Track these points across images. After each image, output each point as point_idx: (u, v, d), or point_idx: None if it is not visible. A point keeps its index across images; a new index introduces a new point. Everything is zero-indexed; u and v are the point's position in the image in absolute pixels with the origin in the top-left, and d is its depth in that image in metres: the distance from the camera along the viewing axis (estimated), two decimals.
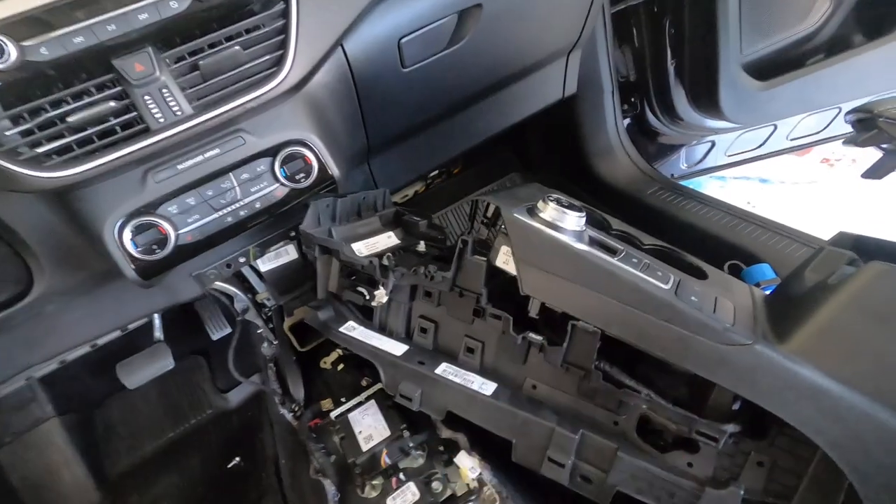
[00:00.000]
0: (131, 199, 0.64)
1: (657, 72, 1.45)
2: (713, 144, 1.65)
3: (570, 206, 0.70)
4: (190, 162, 0.66)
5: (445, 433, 0.88)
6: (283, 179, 0.71)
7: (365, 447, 0.86)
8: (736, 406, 0.63)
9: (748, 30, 1.27)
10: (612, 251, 0.68)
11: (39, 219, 0.69)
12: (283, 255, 1.10)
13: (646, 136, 1.62)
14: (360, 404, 0.95)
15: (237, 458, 1.20)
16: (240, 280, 1.12)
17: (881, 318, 0.51)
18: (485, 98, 1.13)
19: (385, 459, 0.84)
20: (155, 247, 0.65)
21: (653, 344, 0.61)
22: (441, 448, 0.86)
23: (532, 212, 0.70)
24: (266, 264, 1.09)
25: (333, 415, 0.95)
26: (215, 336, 1.35)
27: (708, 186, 2.25)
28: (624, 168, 1.42)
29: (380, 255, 0.83)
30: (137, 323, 1.04)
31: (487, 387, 0.76)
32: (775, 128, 1.61)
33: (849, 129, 1.69)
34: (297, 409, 1.00)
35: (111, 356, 1.30)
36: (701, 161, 1.69)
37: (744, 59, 1.30)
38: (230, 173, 0.68)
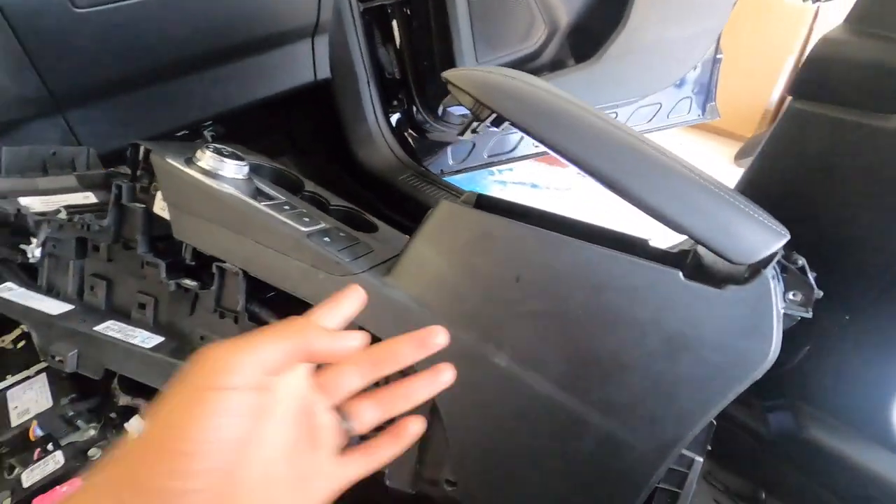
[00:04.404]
0: None
1: (416, 71, 1.58)
2: (474, 145, 1.85)
3: (232, 156, 0.72)
4: None
5: (123, 399, 0.83)
6: None
7: (16, 422, 0.77)
8: None
9: (481, 41, 1.46)
10: (268, 198, 0.71)
11: None
12: None
13: (417, 132, 1.75)
14: (27, 378, 0.85)
15: None
16: None
17: (444, 246, 0.61)
18: (217, 65, 1.11)
19: (35, 431, 0.76)
20: None
21: (283, 280, 0.66)
22: (115, 416, 0.81)
23: (189, 161, 0.71)
24: None
25: None
26: None
27: (492, 189, 2.53)
28: (382, 156, 1.51)
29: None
30: None
31: (150, 340, 0.73)
32: (523, 136, 1.88)
33: None
34: None
35: None
36: (465, 159, 1.88)
37: (479, 65, 1.49)
38: None
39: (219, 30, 1.01)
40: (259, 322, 0.70)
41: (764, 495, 0.77)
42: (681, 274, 0.54)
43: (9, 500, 0.69)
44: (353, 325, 0.58)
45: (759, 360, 0.53)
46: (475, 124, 0.67)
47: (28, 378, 0.84)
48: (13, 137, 0.92)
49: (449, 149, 1.84)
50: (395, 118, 1.68)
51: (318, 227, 0.70)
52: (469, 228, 0.60)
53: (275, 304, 0.72)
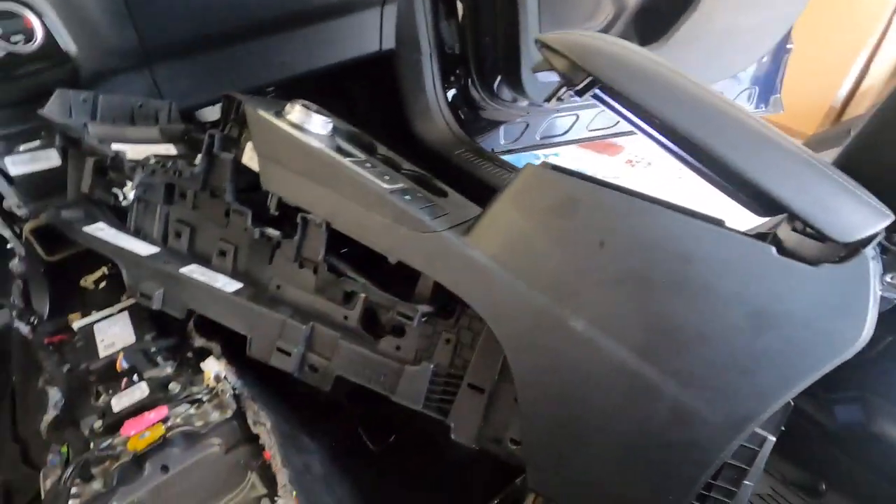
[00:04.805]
0: None
1: (477, 47, 1.57)
2: (527, 125, 1.84)
3: (318, 112, 0.74)
4: None
5: (199, 342, 0.87)
6: None
7: (103, 354, 0.82)
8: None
9: (546, 18, 1.44)
10: (349, 155, 0.73)
11: None
12: (41, 159, 0.98)
13: (471, 110, 1.74)
14: (110, 315, 0.90)
15: None
16: None
17: (528, 208, 0.62)
18: (290, 28, 1.13)
19: (121, 363, 0.81)
20: None
21: (367, 235, 0.68)
22: (191, 356, 0.85)
23: (279, 114, 0.73)
24: (18, 167, 0.97)
25: (77, 325, 0.89)
26: None
27: None
28: (439, 130, 1.52)
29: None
30: None
31: (231, 285, 0.77)
32: (577, 118, 1.85)
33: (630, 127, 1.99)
34: (35, 321, 0.91)
35: None
36: (518, 140, 1.87)
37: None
38: None
39: None
40: (337, 273, 0.72)
41: (825, 487, 0.76)
42: (774, 249, 0.53)
43: (100, 422, 0.74)
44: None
45: (850, 342, 0.52)
46: (562, 91, 0.67)
47: (111, 315, 0.90)
48: (103, 87, 0.96)
49: (502, 128, 1.83)
50: (450, 94, 1.68)
51: (399, 185, 0.71)
52: (555, 192, 0.61)
53: (352, 256, 0.74)
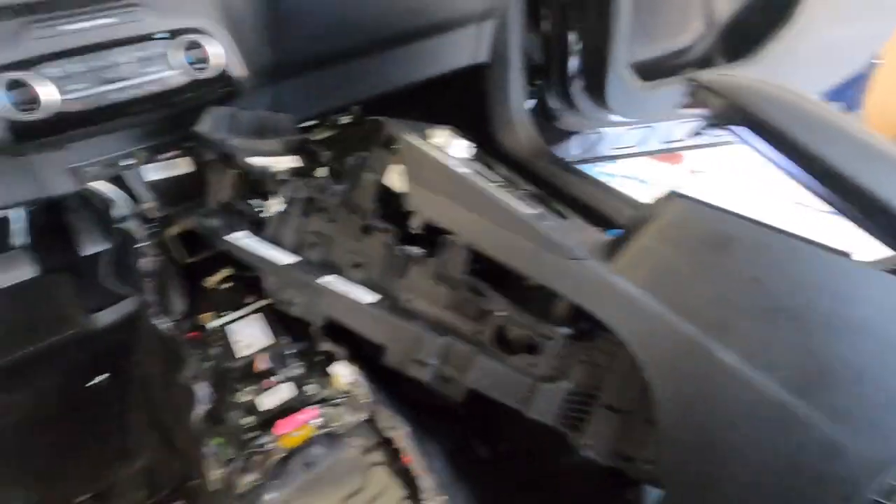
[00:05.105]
0: (4, 51, 0.60)
1: (559, 58, 1.59)
2: (601, 136, 1.85)
3: (460, 136, 0.78)
4: (78, 25, 0.63)
5: (325, 346, 0.93)
6: (179, 66, 0.71)
7: (241, 354, 0.88)
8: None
9: (639, 31, 1.44)
10: (490, 180, 0.77)
11: None
12: (174, 166, 1.06)
13: (545, 119, 1.76)
14: (242, 317, 0.96)
15: (100, 377, 1.14)
16: (123, 188, 1.06)
17: (677, 241, 0.64)
18: (397, 45, 1.18)
19: (260, 364, 0.87)
20: (28, 106, 0.61)
21: (512, 258, 0.71)
22: (319, 360, 0.91)
23: (424, 137, 0.77)
24: (155, 173, 1.04)
25: (213, 325, 0.95)
26: (86, 251, 1.26)
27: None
28: (521, 141, 1.54)
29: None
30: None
31: (368, 297, 0.82)
32: (652, 129, 1.85)
33: (709, 140, 1.97)
34: (173, 319, 0.98)
35: None
36: (589, 150, 1.88)
37: (631, 57, 1.47)
38: (123, 48, 0.66)
39: (415, 7, 1.07)
40: (476, 293, 0.76)
41: None
42: None
43: (248, 418, 0.80)
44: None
45: None
46: (701, 126, 0.69)
47: (243, 317, 0.96)
48: (233, 101, 1.03)
49: (576, 138, 1.84)
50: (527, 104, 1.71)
51: (538, 210, 0.75)
52: (707, 227, 0.63)
53: (489, 275, 0.78)
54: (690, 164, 2.67)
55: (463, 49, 1.32)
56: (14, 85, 0.61)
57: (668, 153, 2.34)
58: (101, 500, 0.88)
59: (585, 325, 0.73)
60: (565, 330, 0.71)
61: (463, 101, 1.64)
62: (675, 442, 0.67)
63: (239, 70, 0.77)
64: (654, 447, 0.69)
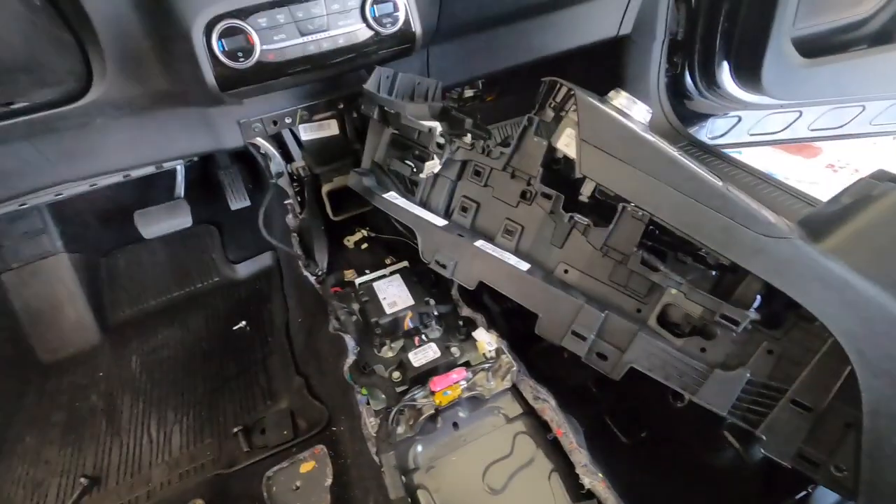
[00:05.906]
0: (225, 0, 0.63)
1: (707, 34, 1.46)
2: (739, 119, 1.69)
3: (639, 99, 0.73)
4: None
5: (465, 311, 0.93)
6: (369, 20, 0.72)
7: (389, 311, 0.90)
8: (756, 303, 0.68)
9: (805, 3, 1.29)
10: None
11: (117, 10, 0.68)
12: (325, 128, 1.10)
13: (678, 99, 1.65)
14: (383, 276, 0.99)
15: (243, 323, 1.23)
16: (279, 146, 1.12)
17: None
18: (543, 13, 1.13)
19: (409, 323, 0.88)
20: (240, 54, 0.65)
21: (700, 231, 0.66)
22: (459, 324, 0.91)
23: (604, 101, 0.73)
24: (308, 133, 1.09)
25: (358, 282, 0.99)
26: (234, 206, 1.35)
27: None
28: (658, 119, 1.45)
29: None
30: (170, 164, 1.04)
31: (522, 264, 0.80)
32: (800, 114, 1.66)
33: (864, 129, 1.75)
34: (320, 273, 1.02)
35: (124, 208, 1.30)
36: (724, 135, 1.73)
37: (794, 32, 1.32)
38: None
39: None
40: (649, 267, 0.72)
41: None
42: None
43: (397, 373, 0.82)
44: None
45: None
46: None
47: (385, 276, 0.99)
48: (389, 63, 1.03)
49: (710, 121, 1.71)
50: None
51: (725, 184, 0.68)
52: None
53: (661, 253, 0.73)
54: (829, 158, 2.40)
55: (608, 20, 1.25)
56: (228, 32, 0.65)
57: (806, 143, 2.11)
58: (251, 433, 0.94)
59: (768, 311, 0.66)
60: (753, 314, 0.65)
61: (593, 76, 1.57)
62: (881, 451, 0.59)
63: (417, 28, 0.77)
64: (852, 454, 0.61)
